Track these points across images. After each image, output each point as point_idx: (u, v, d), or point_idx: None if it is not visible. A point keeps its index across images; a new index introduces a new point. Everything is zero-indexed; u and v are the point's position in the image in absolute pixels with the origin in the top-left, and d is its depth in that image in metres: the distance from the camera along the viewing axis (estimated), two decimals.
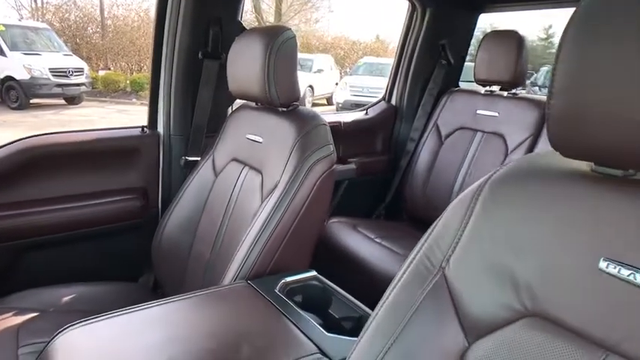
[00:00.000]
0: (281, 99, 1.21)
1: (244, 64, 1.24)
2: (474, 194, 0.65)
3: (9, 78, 8.51)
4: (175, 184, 1.59)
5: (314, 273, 1.11)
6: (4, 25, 9.06)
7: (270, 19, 15.02)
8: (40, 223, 1.39)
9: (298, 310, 0.93)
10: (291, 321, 0.88)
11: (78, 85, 9.27)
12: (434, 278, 0.65)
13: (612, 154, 0.51)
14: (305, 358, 0.76)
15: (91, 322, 0.85)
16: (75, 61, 9.45)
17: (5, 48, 8.69)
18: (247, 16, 15.14)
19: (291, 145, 1.16)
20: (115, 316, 0.87)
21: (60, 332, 0.81)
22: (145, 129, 1.60)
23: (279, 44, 1.18)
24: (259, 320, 0.88)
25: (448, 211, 0.67)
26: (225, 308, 0.92)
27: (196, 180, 1.44)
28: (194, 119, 1.55)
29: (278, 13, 14.72)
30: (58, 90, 8.90)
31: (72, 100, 9.36)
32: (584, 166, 0.58)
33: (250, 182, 1.28)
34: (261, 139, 1.28)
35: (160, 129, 1.60)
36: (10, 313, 1.17)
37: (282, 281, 1.04)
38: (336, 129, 2.02)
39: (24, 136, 1.39)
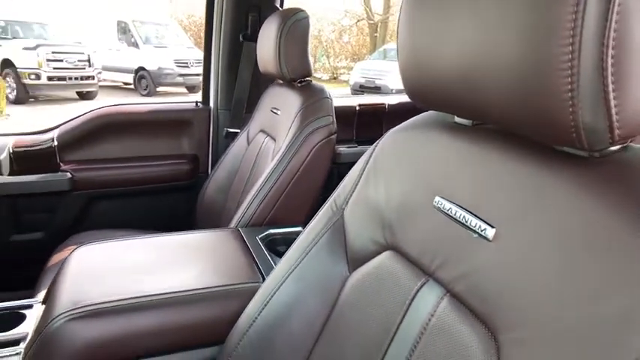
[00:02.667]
0: (291, 74, 1.34)
1: (264, 44, 1.40)
2: (373, 147, 0.73)
3: (141, 68, 9.70)
4: (220, 151, 1.80)
5: (300, 229, 1.23)
6: (140, 22, 10.31)
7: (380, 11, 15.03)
8: (108, 177, 1.70)
9: (266, 253, 1.06)
10: (255, 261, 1.02)
11: (197, 75, 10.23)
12: (335, 217, 0.75)
13: (458, 105, 0.56)
14: (248, 284, 0.90)
15: (110, 242, 1.07)
16: (196, 53, 10.43)
17: (140, 42, 9.90)
18: (356, 8, 15.34)
19: (295, 113, 1.29)
20: (125, 240, 1.09)
21: (81, 246, 1.04)
22: (199, 103, 1.84)
23: (291, 24, 1.31)
24: (226, 255, 1.04)
25: (356, 163, 0.76)
26: (206, 244, 1.09)
27: (234, 149, 1.64)
28: (235, 95, 1.75)
29: (387, 4, 14.66)
30: (180, 79, 9.89)
31: (192, 89, 10.34)
32: (449, 118, 0.64)
33: (267, 148, 1.44)
34: (279, 111, 1.43)
35: (211, 103, 1.83)
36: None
37: (268, 232, 1.18)
38: (381, 110, 2.10)
39: (97, 107, 1.71)
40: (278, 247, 1.18)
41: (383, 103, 2.11)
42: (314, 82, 1.41)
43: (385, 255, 0.65)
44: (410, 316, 0.55)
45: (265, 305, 0.74)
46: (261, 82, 1.75)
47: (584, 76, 0.38)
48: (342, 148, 1.94)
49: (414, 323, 0.54)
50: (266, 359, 0.72)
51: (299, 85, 1.40)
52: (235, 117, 1.78)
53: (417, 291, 0.56)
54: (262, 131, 1.53)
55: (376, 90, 9.30)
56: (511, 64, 0.43)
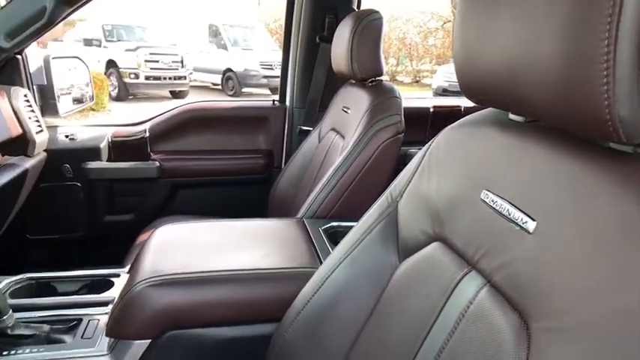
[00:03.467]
0: (362, 74, 1.38)
1: (338, 45, 1.45)
2: (430, 143, 0.76)
3: (228, 70, 10.20)
4: (293, 148, 1.89)
5: None
6: (230, 25, 10.84)
7: None
8: (191, 167, 1.85)
9: (326, 243, 1.11)
10: (315, 249, 1.07)
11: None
12: (389, 208, 0.78)
13: (509, 102, 0.58)
14: (306, 269, 0.96)
15: (187, 223, 1.19)
16: (280, 56, 10.76)
17: (228, 44, 10.42)
18: (444, 10, 14.99)
19: (363, 111, 1.34)
20: (201, 222, 1.20)
21: (163, 225, 1.16)
22: (275, 102, 1.94)
23: (364, 25, 1.36)
24: (289, 242, 1.10)
25: (413, 158, 0.79)
26: (272, 231, 1.17)
27: (306, 145, 1.72)
28: (309, 94, 1.83)
29: None
30: (264, 81, 10.26)
31: (275, 91, 10.67)
32: (504, 115, 0.65)
33: (336, 145, 1.50)
34: (349, 110, 1.48)
35: (287, 102, 1.93)
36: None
37: (331, 224, 1.24)
38: (457, 112, 2.08)
39: (184, 103, 1.86)
40: (339, 238, 1.23)
41: (459, 105, 2.08)
42: (385, 81, 1.45)
43: (433, 246, 0.67)
44: (450, 304, 0.58)
45: (319, 288, 0.79)
46: (334, 82, 1.81)
47: (620, 69, 0.39)
48: (413, 150, 1.95)
49: (454, 310, 0.56)
50: (317, 338, 0.77)
51: (370, 84, 1.44)
52: (309, 115, 1.86)
53: (460, 280, 0.58)
54: (333, 129, 1.59)
55: (460, 94, 8.98)
56: (553, 59, 0.44)
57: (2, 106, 1.48)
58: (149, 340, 0.88)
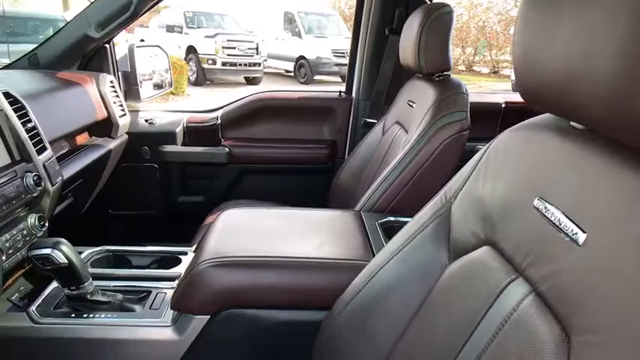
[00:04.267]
0: (428, 68, 1.37)
1: (407, 37, 1.44)
2: (489, 145, 0.75)
3: (301, 57, 10.33)
4: (357, 139, 1.91)
5: None
6: (305, 12, 10.94)
7: None
8: (258, 154, 1.93)
9: (381, 237, 1.12)
10: (369, 242, 1.09)
11: None
12: (442, 209, 0.78)
13: (567, 109, 0.56)
14: (358, 261, 0.98)
15: (250, 209, 1.25)
16: None
17: (302, 31, 10.54)
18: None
19: (429, 106, 1.32)
20: (263, 209, 1.26)
21: (228, 210, 1.23)
22: (342, 93, 1.96)
23: (433, 18, 1.33)
24: (345, 233, 1.13)
25: (471, 159, 0.78)
26: (330, 222, 1.20)
27: (369, 138, 1.73)
28: (375, 87, 1.83)
29: None
30: (336, 69, 10.28)
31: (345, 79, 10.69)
32: (565, 121, 0.63)
33: (399, 139, 1.49)
34: (414, 104, 1.47)
35: (353, 94, 1.94)
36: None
37: (387, 219, 1.24)
38: (530, 109, 1.98)
39: (255, 92, 1.94)
40: (394, 233, 1.24)
41: None
42: (452, 77, 1.42)
43: (483, 249, 0.67)
44: (495, 309, 0.57)
45: (369, 281, 0.81)
46: (401, 76, 1.80)
47: None
48: (480, 146, 1.89)
49: (497, 315, 0.56)
50: (364, 328, 0.79)
51: (437, 79, 1.41)
52: (374, 108, 1.86)
53: (506, 286, 0.58)
54: (397, 122, 1.58)
55: None
56: (611, 71, 0.42)
57: (90, 91, 1.62)
58: (208, 316, 0.95)
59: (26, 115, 1.15)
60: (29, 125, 1.14)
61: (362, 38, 1.84)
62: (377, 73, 1.84)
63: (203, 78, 9.63)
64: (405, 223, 1.25)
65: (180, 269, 1.15)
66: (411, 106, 1.49)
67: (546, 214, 0.55)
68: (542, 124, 0.66)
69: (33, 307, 1.00)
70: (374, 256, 1.02)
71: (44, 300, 1.04)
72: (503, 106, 2.04)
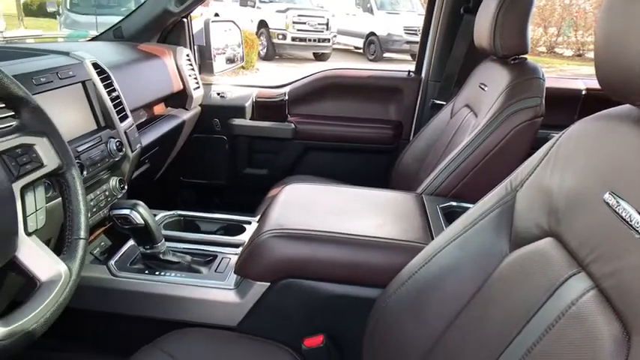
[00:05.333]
0: (504, 50, 1.31)
1: (483, 17, 1.38)
2: (561, 134, 0.72)
3: (371, 34, 10.16)
4: (423, 121, 1.87)
5: None
6: None
7: None
8: (322, 131, 1.95)
9: (442, 222, 1.11)
10: (429, 226, 1.09)
11: None
12: (507, 197, 0.77)
13: None
14: (417, 243, 0.98)
15: (313, 185, 1.29)
16: None
17: (374, 7, 10.33)
18: None
19: (501, 90, 1.27)
20: (326, 185, 1.28)
21: (291, 184, 1.27)
22: (411, 73, 1.92)
23: None
24: (405, 215, 1.13)
25: (540, 148, 0.76)
26: (390, 202, 1.20)
27: (436, 120, 1.69)
28: (446, 68, 1.78)
29: None
30: (407, 47, 10.01)
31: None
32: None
33: (468, 123, 1.45)
34: (486, 87, 1.42)
35: (423, 74, 1.90)
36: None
37: (450, 203, 1.23)
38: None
39: (323, 69, 1.95)
40: (455, 219, 1.22)
41: None
42: (529, 60, 1.35)
43: (546, 241, 0.65)
44: (552, 301, 0.56)
45: (426, 263, 0.82)
46: (474, 57, 1.73)
47: None
48: (555, 134, 1.80)
49: (555, 308, 0.55)
50: (417, 310, 0.80)
51: (512, 62, 1.35)
52: (443, 89, 1.82)
53: (566, 280, 0.56)
54: (467, 106, 1.54)
55: None
56: None
57: (168, 64, 1.71)
58: (268, 284, 1.00)
59: (111, 84, 1.24)
60: (113, 94, 1.23)
61: (435, 16, 1.78)
62: (449, 54, 1.79)
63: (273, 53, 9.75)
64: (467, 208, 1.23)
65: (244, 237, 1.21)
66: (483, 89, 1.44)
67: (617, 209, 0.53)
68: (621, 116, 0.62)
69: (112, 262, 1.10)
70: (433, 239, 1.02)
71: (121, 256, 1.13)
72: (583, 92, 1.91)
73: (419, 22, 9.85)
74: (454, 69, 1.78)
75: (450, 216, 1.18)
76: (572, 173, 0.63)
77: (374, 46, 10.25)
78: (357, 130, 1.95)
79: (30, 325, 0.62)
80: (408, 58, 10.33)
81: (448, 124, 1.62)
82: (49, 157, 0.73)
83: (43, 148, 0.73)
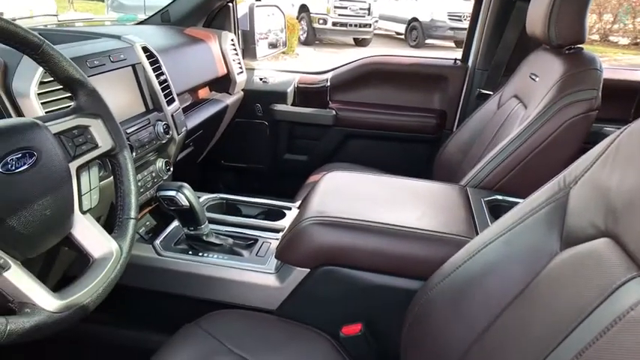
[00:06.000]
0: (558, 39, 1.25)
1: (537, 4, 1.33)
2: (621, 130, 0.68)
3: (414, 19, 9.94)
4: (468, 111, 1.83)
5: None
6: None
7: None
8: (363, 119, 1.94)
9: (486, 215, 1.09)
10: (473, 219, 1.06)
11: None
12: (560, 193, 0.74)
13: None
14: (460, 237, 0.97)
15: (354, 173, 1.28)
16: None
17: None
18: None
19: (554, 81, 1.22)
20: (366, 174, 1.28)
21: (332, 172, 1.27)
22: (457, 61, 1.87)
23: None
24: (448, 207, 1.11)
25: (598, 144, 0.72)
26: (433, 194, 1.18)
27: (482, 110, 1.65)
28: (495, 56, 1.72)
29: None
30: (450, 33, 9.74)
31: (460, 44, 10.05)
32: None
33: (516, 115, 1.41)
34: (537, 77, 1.37)
35: (469, 62, 1.85)
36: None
37: (495, 197, 1.19)
38: None
39: (367, 56, 1.92)
40: (501, 213, 1.19)
41: None
42: (585, 50, 1.29)
43: (601, 241, 0.62)
44: (608, 304, 0.54)
45: (471, 257, 0.80)
46: (525, 46, 1.67)
47: None
48: (609, 128, 1.72)
49: (610, 312, 0.53)
50: (459, 305, 0.79)
51: (567, 52, 1.30)
52: (491, 78, 1.76)
53: (624, 283, 0.54)
54: (515, 96, 1.49)
55: None
56: None
57: (213, 48, 1.73)
58: (308, 270, 1.01)
59: (159, 68, 1.26)
60: (161, 78, 1.26)
61: (486, 3, 1.72)
62: (498, 42, 1.72)
63: (313, 37, 9.70)
64: (513, 203, 1.20)
65: (284, 222, 1.22)
66: (534, 79, 1.38)
67: None
68: None
69: (157, 241, 1.14)
70: (477, 233, 1.00)
71: (166, 236, 1.17)
72: None
73: (464, 8, 9.66)
74: (503, 58, 1.72)
75: (495, 210, 1.15)
76: (634, 172, 0.60)
77: (416, 32, 10.04)
78: (399, 119, 1.92)
79: (84, 300, 0.65)
80: (452, 44, 10.08)
81: (495, 115, 1.57)
82: (103, 139, 0.76)
83: (97, 129, 0.75)
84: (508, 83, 1.57)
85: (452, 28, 9.61)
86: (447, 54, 1.93)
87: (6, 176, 0.57)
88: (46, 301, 0.59)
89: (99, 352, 1.25)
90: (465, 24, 9.49)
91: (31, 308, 0.58)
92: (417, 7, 9.94)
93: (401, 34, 10.63)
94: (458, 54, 1.94)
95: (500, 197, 1.20)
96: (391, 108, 1.93)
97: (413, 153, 1.96)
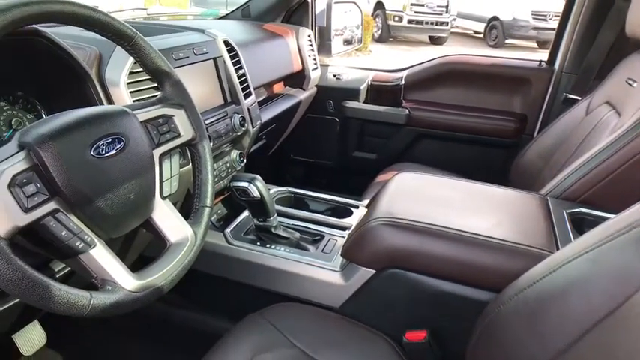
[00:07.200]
0: None
1: None
2: None
3: (494, 18, 9.51)
4: (552, 116, 1.72)
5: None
6: None
7: None
8: (437, 119, 1.88)
9: (569, 229, 1.01)
10: (554, 232, 0.99)
11: (554, 30, 9.29)
12: None
13: None
14: (538, 250, 0.91)
15: (426, 175, 1.24)
16: (559, 5, 9.45)
17: None
18: None
19: None
20: (438, 177, 1.24)
21: (403, 172, 1.24)
22: (543, 63, 1.76)
23: None
24: (526, 217, 1.04)
25: None
26: (510, 201, 1.12)
27: (568, 116, 1.54)
28: (586, 60, 1.60)
29: None
30: (533, 33, 9.22)
31: (544, 45, 9.52)
32: None
33: (607, 122, 1.30)
34: (635, 83, 1.26)
35: (556, 65, 1.73)
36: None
37: (579, 210, 1.11)
38: None
39: (444, 54, 1.86)
40: (585, 228, 1.11)
41: None
42: None
43: None
44: None
45: (551, 272, 0.75)
46: (621, 49, 1.54)
47: None
48: None
49: None
50: (534, 321, 0.74)
51: None
52: (580, 83, 1.64)
53: None
54: (607, 103, 1.38)
55: None
56: None
57: (290, 44, 1.75)
58: (374, 271, 0.99)
59: (239, 62, 1.30)
60: (240, 72, 1.29)
61: (579, 1, 1.60)
62: (591, 43, 1.60)
63: (387, 35, 9.58)
64: (600, 217, 1.11)
65: (351, 221, 1.21)
66: (631, 85, 1.27)
67: None
68: None
69: (228, 230, 1.17)
70: (557, 247, 0.94)
71: (236, 225, 1.20)
72: None
73: (550, 7, 9.11)
74: (596, 61, 1.60)
75: (579, 223, 1.08)
76: None
77: (496, 31, 9.61)
78: (476, 121, 1.84)
79: (160, 282, 0.67)
80: (533, 45, 9.56)
81: (582, 122, 1.46)
82: (185, 129, 0.79)
83: (180, 119, 0.78)
84: (599, 88, 1.46)
85: (535, 28, 9.10)
86: (528, 55, 1.82)
87: (97, 160, 0.61)
88: (126, 280, 0.62)
89: (168, 331, 1.32)
90: (551, 24, 8.99)
91: (112, 286, 0.61)
92: (499, 5, 9.51)
93: (479, 33, 10.23)
94: (539, 55, 1.83)
95: (584, 210, 1.11)
96: (467, 109, 1.85)
97: (487, 157, 1.88)
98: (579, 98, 1.58)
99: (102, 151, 0.62)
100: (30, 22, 0.58)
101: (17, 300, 0.74)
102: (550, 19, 9.09)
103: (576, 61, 1.66)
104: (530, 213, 1.07)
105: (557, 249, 0.92)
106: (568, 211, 1.09)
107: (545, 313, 0.74)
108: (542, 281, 0.76)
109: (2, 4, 0.55)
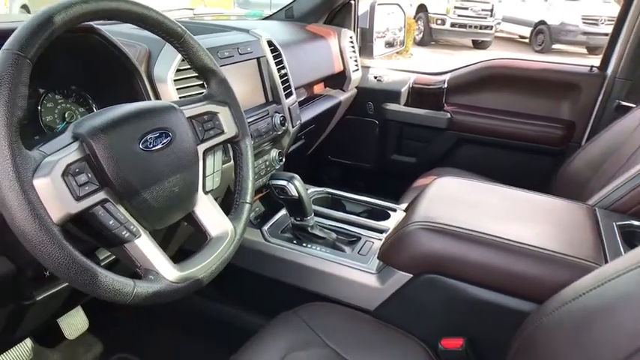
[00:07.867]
0: None
1: None
2: None
3: (541, 22, 9.22)
4: (602, 124, 1.65)
5: None
6: None
7: None
8: (479, 124, 1.84)
9: (618, 241, 0.96)
10: (602, 244, 0.95)
11: (606, 35, 8.89)
12: None
13: None
14: (585, 261, 0.87)
15: (467, 180, 1.22)
16: (612, 10, 9.07)
17: None
18: None
19: None
20: (479, 182, 1.21)
21: (443, 177, 1.22)
22: (594, 68, 1.70)
23: None
24: (572, 227, 1.00)
25: None
26: (555, 211, 1.08)
27: (620, 124, 1.48)
28: None
29: None
30: (583, 38, 8.88)
31: (594, 51, 9.16)
32: None
33: None
34: None
35: (609, 70, 1.66)
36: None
37: (630, 222, 1.06)
38: None
39: (489, 58, 1.82)
40: (636, 241, 1.05)
41: None
42: None
43: None
44: None
45: (599, 285, 0.72)
46: None
47: None
48: None
49: None
50: (580, 336, 0.71)
51: None
52: (635, 89, 1.57)
53: None
54: None
55: None
56: None
57: (332, 45, 1.75)
58: (411, 275, 0.98)
59: (282, 62, 1.31)
60: (282, 72, 1.30)
61: (637, 4, 1.53)
62: None
63: (429, 38, 9.45)
64: None
65: (388, 224, 1.20)
66: None
67: None
68: None
69: (265, 227, 1.18)
70: (606, 260, 0.90)
71: (274, 223, 1.21)
72: None
73: (602, 11, 8.74)
74: None
75: (629, 236, 1.02)
76: None
77: (542, 35, 9.31)
78: (520, 127, 1.79)
79: (200, 274, 0.69)
80: (582, 51, 9.22)
81: (635, 131, 1.39)
82: (228, 126, 0.80)
83: (224, 116, 0.80)
84: None
85: (585, 33, 8.77)
86: (576, 60, 1.75)
87: (144, 153, 0.63)
88: (167, 271, 0.64)
89: (203, 324, 1.34)
90: (602, 29, 8.62)
91: (155, 276, 0.63)
92: (547, 9, 9.22)
93: (525, 38, 9.95)
94: (588, 61, 1.75)
95: (636, 223, 1.06)
96: (512, 115, 1.80)
97: (531, 164, 1.82)
98: (633, 106, 1.51)
99: (149, 144, 0.64)
100: (88, 19, 0.60)
101: (64, 285, 0.77)
102: (602, 23, 8.72)
103: (631, 66, 1.59)
104: (576, 223, 1.03)
105: (606, 262, 0.88)
106: (618, 223, 1.04)
107: (591, 328, 0.71)
108: (589, 294, 0.73)
109: (64, 1, 0.57)
